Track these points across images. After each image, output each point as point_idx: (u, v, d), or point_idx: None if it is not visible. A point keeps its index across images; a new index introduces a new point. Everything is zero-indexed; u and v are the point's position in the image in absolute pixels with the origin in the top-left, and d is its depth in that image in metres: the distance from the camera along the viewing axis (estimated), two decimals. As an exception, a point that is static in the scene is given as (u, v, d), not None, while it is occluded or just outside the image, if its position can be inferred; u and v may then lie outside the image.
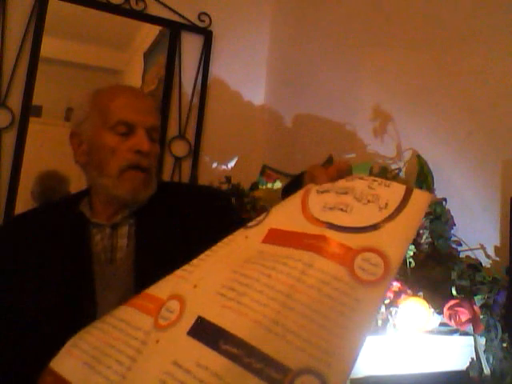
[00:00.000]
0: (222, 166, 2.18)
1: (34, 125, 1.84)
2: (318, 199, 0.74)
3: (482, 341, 1.17)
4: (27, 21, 1.85)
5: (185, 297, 0.67)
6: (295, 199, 0.77)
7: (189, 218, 1.01)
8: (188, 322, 0.63)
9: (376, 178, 0.75)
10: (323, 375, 0.55)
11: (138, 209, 1.00)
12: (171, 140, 2.08)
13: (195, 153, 2.11)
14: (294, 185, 0.89)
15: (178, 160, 2.08)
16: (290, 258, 0.65)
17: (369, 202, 0.70)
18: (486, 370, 1.14)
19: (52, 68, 1.96)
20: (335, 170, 0.80)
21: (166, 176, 2.05)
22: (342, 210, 0.70)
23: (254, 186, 1.79)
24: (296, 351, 0.57)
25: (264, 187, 1.77)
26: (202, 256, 0.75)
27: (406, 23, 1.70)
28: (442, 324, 1.18)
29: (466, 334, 1.17)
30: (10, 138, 1.80)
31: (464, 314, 1.14)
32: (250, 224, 0.77)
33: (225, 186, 1.77)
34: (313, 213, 0.71)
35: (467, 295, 1.18)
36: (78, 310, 0.90)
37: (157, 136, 1.01)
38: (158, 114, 1.04)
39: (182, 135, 2.10)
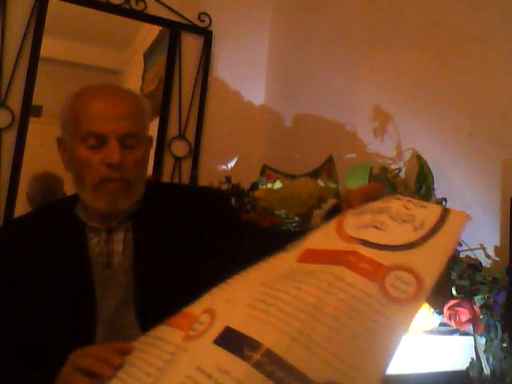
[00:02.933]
0: (222, 165, 2.18)
1: (34, 125, 1.84)
2: (354, 220, 0.74)
3: (482, 341, 1.17)
4: (27, 21, 1.85)
5: (216, 310, 0.67)
6: (332, 222, 0.77)
7: (188, 219, 1.00)
8: (215, 331, 0.63)
9: (411, 199, 0.75)
10: None
11: (135, 212, 0.98)
12: (171, 140, 2.08)
13: (195, 153, 2.11)
14: (333, 211, 0.89)
15: (177, 160, 2.08)
16: (321, 272, 0.65)
17: (404, 221, 0.69)
18: (486, 370, 1.14)
19: (52, 68, 1.97)
20: (368, 192, 0.80)
21: (166, 176, 2.05)
22: (376, 227, 0.69)
23: (254, 186, 1.79)
24: (321, 363, 0.56)
25: (264, 187, 1.77)
26: (237, 276, 0.75)
27: (406, 23, 1.70)
28: (442, 324, 1.18)
29: (466, 334, 1.17)
30: (10, 138, 1.80)
31: (464, 314, 1.14)
32: (289, 247, 0.77)
33: (225, 186, 1.77)
34: (346, 231, 0.71)
35: (467, 295, 1.18)
36: (78, 314, 0.90)
37: (135, 141, 0.94)
38: (140, 116, 0.97)
39: (182, 135, 2.10)
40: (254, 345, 0.58)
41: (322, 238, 0.74)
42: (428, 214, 0.70)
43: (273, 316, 0.61)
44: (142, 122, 0.97)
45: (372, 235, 0.68)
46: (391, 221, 0.70)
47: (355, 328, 0.58)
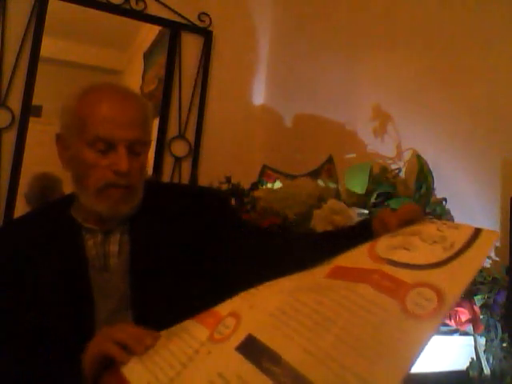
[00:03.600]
0: (222, 166, 2.18)
1: (34, 125, 1.84)
2: (387, 240, 0.75)
3: (482, 341, 1.17)
4: (27, 21, 1.85)
5: (241, 315, 0.70)
6: (366, 244, 0.78)
7: (186, 219, 0.99)
8: (239, 338, 0.66)
9: (446, 222, 0.75)
10: None
11: (131, 214, 0.97)
12: (171, 140, 2.08)
13: (195, 153, 2.11)
14: (360, 229, 0.89)
15: (178, 160, 2.08)
16: (344, 289, 0.66)
17: (435, 242, 0.70)
18: (486, 370, 1.14)
19: (52, 68, 1.97)
20: (405, 217, 0.80)
21: (166, 176, 2.05)
22: (405, 248, 0.70)
23: (254, 186, 1.79)
24: (335, 378, 0.57)
25: (264, 187, 1.77)
26: (266, 283, 0.77)
27: (406, 23, 1.70)
28: (441, 324, 1.18)
29: (466, 334, 1.17)
30: (9, 138, 1.80)
31: (464, 314, 1.14)
32: (321, 263, 0.78)
33: (225, 186, 1.77)
34: (377, 251, 0.72)
35: (467, 295, 1.18)
36: (76, 316, 0.90)
37: (142, 148, 0.94)
38: (146, 121, 0.96)
39: (182, 135, 2.10)
40: (273, 357, 0.60)
41: (353, 257, 0.76)
42: (459, 234, 0.70)
43: (293, 329, 0.63)
44: (148, 129, 0.97)
45: (400, 255, 0.68)
46: (421, 242, 0.70)
47: (371, 344, 0.58)
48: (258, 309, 0.71)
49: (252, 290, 0.77)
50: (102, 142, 0.90)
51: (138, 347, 0.73)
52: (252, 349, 0.63)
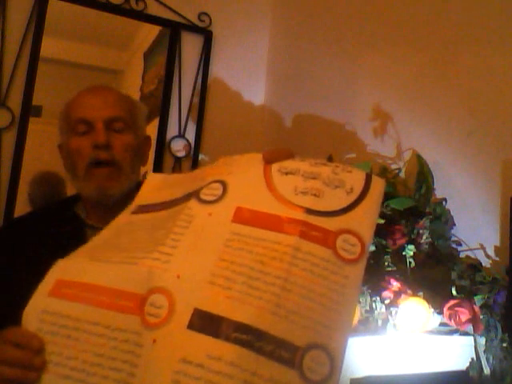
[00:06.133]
0: (222, 166, 2.18)
1: (33, 125, 1.84)
2: (286, 180, 0.76)
3: (482, 341, 1.16)
4: (27, 21, 1.85)
5: (170, 289, 0.64)
6: (255, 175, 0.78)
7: None
8: (184, 315, 0.61)
9: (338, 164, 0.81)
10: (327, 347, 0.61)
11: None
12: (171, 140, 2.08)
13: (195, 153, 2.11)
14: None
15: (177, 160, 2.08)
16: (277, 243, 0.68)
17: (336, 187, 0.75)
18: (486, 370, 1.14)
19: (52, 68, 1.96)
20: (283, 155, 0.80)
21: (166, 176, 2.05)
22: (314, 195, 0.74)
23: (254, 186, 1.79)
24: (301, 329, 0.61)
25: (264, 187, 1.76)
26: (168, 241, 0.68)
27: (406, 23, 1.70)
28: (442, 324, 1.18)
29: (466, 334, 1.17)
30: (10, 138, 1.80)
31: (464, 314, 1.14)
32: (208, 198, 0.73)
33: (225, 186, 1.77)
34: (284, 195, 0.74)
35: (467, 295, 1.18)
36: None
37: (122, 126, 0.99)
38: (127, 105, 1.03)
39: (181, 135, 2.10)
40: (235, 325, 0.60)
41: (253, 195, 0.74)
42: (355, 179, 0.77)
43: (246, 294, 0.63)
44: (129, 111, 1.02)
45: (313, 203, 0.73)
46: (325, 187, 0.75)
47: (322, 292, 0.65)
48: (189, 278, 0.64)
49: (158, 256, 0.66)
50: (82, 124, 0.97)
51: (30, 375, 0.60)
52: (208, 323, 0.60)
